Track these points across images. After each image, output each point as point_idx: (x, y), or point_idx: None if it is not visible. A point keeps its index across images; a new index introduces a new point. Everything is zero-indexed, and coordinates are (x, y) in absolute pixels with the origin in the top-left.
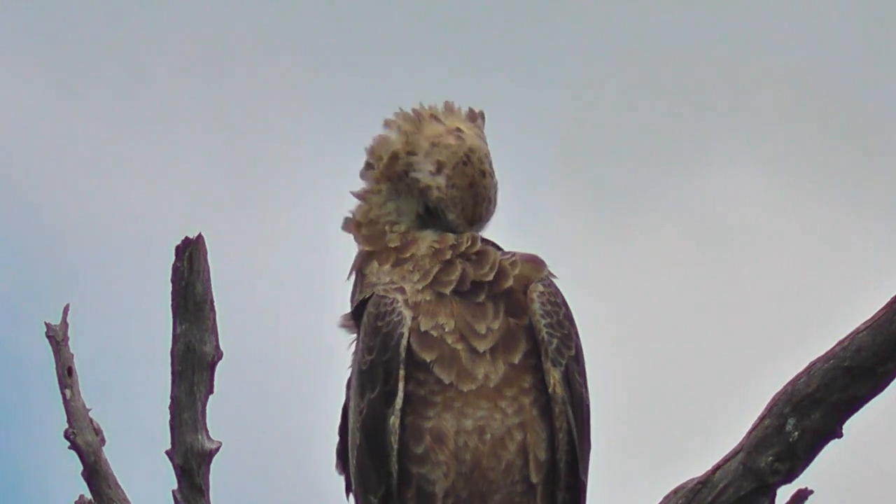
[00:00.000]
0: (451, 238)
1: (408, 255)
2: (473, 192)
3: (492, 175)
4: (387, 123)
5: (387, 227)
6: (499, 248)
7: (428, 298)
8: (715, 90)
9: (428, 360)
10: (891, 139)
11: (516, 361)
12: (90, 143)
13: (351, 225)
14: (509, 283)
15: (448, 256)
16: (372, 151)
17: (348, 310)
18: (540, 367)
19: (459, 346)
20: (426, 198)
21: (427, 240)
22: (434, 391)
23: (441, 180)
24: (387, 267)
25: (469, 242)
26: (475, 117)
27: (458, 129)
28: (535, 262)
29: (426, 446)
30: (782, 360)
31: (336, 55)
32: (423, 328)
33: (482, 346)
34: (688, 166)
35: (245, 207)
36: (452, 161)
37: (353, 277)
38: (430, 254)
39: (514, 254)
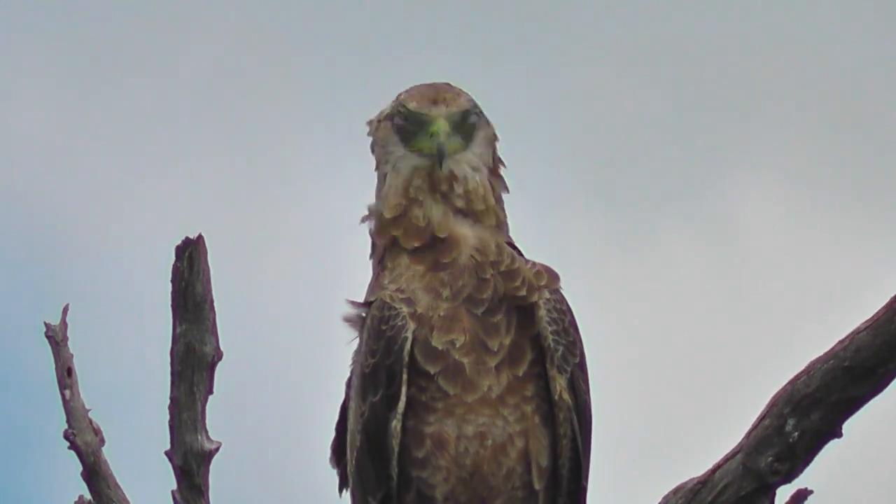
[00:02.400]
0: (492, 252)
1: (448, 259)
2: (417, 87)
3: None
4: None
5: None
6: (518, 252)
7: (442, 313)
8: (735, 102)
9: (432, 372)
10: None
11: (521, 374)
12: (89, 143)
13: (378, 220)
14: (535, 297)
15: (488, 275)
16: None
17: (350, 304)
18: (543, 375)
19: (466, 360)
20: (393, 123)
21: (468, 242)
22: (436, 397)
23: (389, 103)
24: (420, 268)
25: (509, 260)
26: None
27: None
28: (552, 275)
29: (427, 450)
30: (782, 360)
31: (336, 57)
32: (433, 343)
33: (492, 362)
34: (707, 179)
35: (245, 208)
36: (395, 98)
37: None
38: (472, 265)
39: (534, 263)
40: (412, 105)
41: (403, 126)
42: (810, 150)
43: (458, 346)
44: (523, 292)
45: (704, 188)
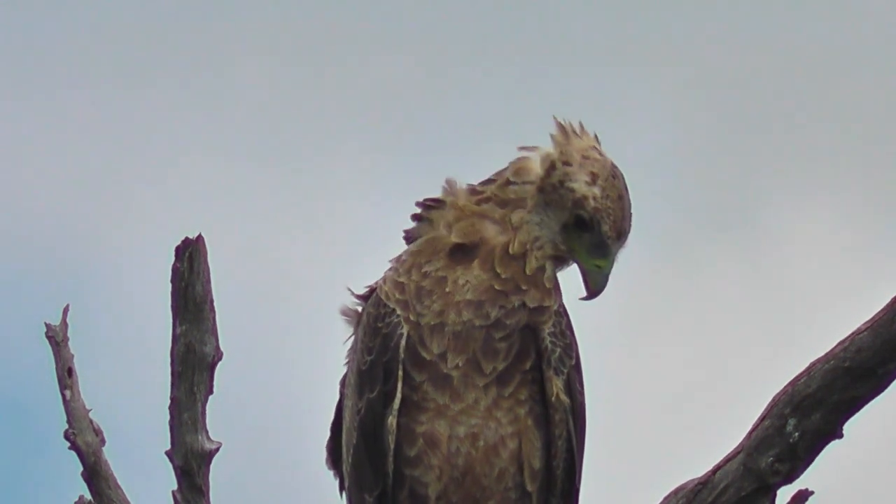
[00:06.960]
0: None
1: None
2: (622, 204)
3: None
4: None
5: (529, 247)
6: None
7: (459, 329)
8: (784, 127)
9: (418, 380)
10: None
11: (507, 394)
12: (90, 143)
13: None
14: (549, 323)
15: (515, 304)
16: (517, 171)
17: (351, 294)
18: (538, 379)
19: (455, 374)
20: (582, 208)
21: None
22: (427, 398)
23: (597, 191)
24: (472, 274)
25: (547, 299)
26: (597, 139)
27: (595, 147)
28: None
29: (419, 449)
30: (782, 360)
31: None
32: (423, 353)
33: (480, 382)
34: (755, 204)
35: (245, 207)
36: (604, 174)
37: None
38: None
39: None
40: (605, 228)
41: (581, 228)
42: (859, 176)
43: (449, 361)
44: (543, 318)
45: (751, 214)
